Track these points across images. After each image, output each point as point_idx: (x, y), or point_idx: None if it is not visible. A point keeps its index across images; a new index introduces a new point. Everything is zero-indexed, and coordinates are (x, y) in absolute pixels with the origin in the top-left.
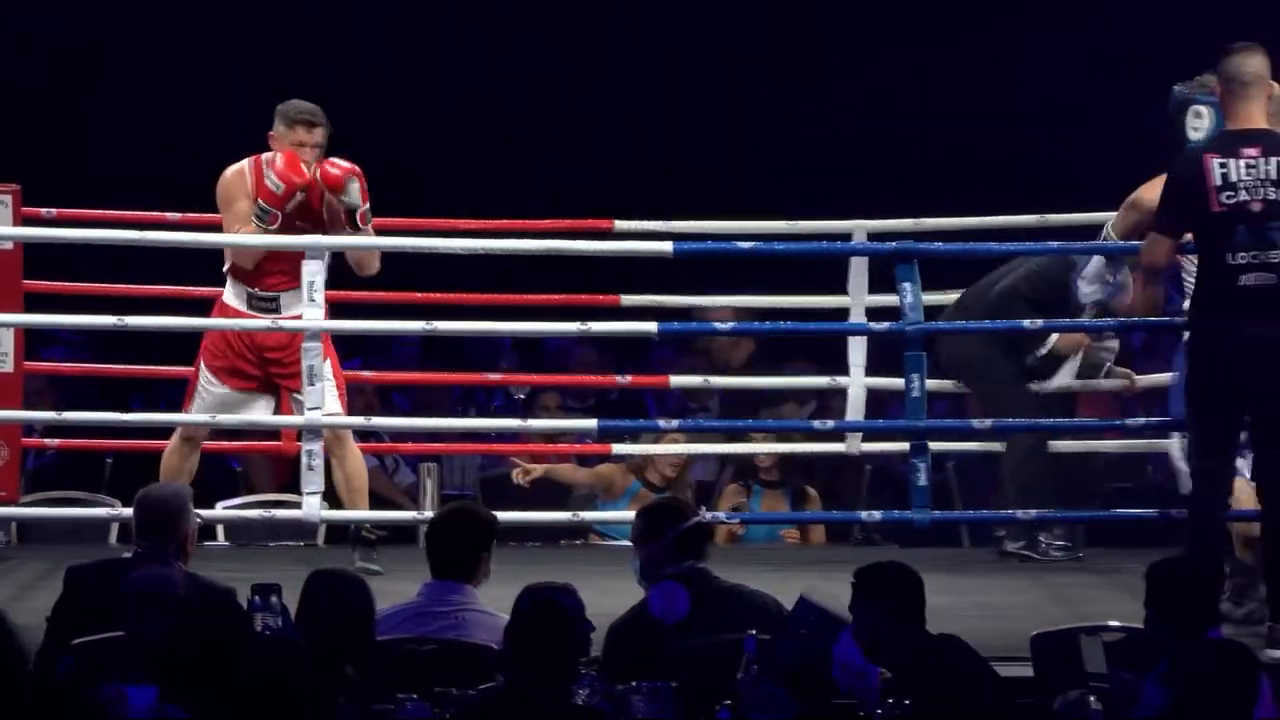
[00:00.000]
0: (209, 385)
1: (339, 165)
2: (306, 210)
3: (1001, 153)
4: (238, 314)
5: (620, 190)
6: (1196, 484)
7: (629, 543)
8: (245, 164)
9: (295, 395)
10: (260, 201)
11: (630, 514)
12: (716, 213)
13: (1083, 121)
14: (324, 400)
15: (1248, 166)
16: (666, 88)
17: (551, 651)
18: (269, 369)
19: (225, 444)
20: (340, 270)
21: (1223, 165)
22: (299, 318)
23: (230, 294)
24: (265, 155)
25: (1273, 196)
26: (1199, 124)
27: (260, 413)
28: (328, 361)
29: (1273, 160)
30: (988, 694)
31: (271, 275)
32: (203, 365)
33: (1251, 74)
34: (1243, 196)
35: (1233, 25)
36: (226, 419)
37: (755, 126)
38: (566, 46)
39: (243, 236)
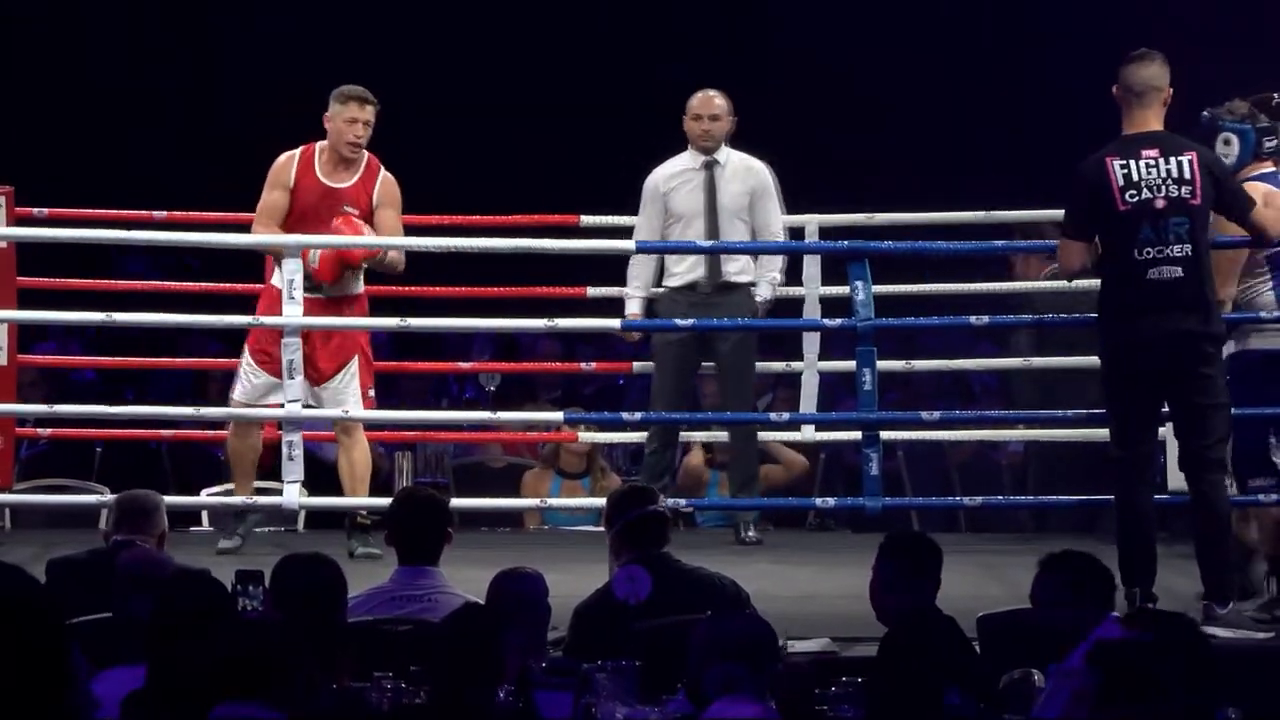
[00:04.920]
0: (249, 372)
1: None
2: (332, 208)
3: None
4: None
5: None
6: (1118, 473)
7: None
8: (296, 153)
9: (316, 388)
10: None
11: (585, 501)
12: None
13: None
14: (344, 396)
15: (1148, 166)
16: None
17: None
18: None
19: (209, 433)
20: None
21: (1123, 166)
22: (350, 298)
23: (276, 276)
24: (319, 144)
25: (1174, 194)
26: (1228, 150)
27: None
28: (356, 357)
29: (1173, 160)
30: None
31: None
32: (246, 351)
33: (1150, 84)
34: (1145, 194)
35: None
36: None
37: None
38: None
39: (226, 236)
